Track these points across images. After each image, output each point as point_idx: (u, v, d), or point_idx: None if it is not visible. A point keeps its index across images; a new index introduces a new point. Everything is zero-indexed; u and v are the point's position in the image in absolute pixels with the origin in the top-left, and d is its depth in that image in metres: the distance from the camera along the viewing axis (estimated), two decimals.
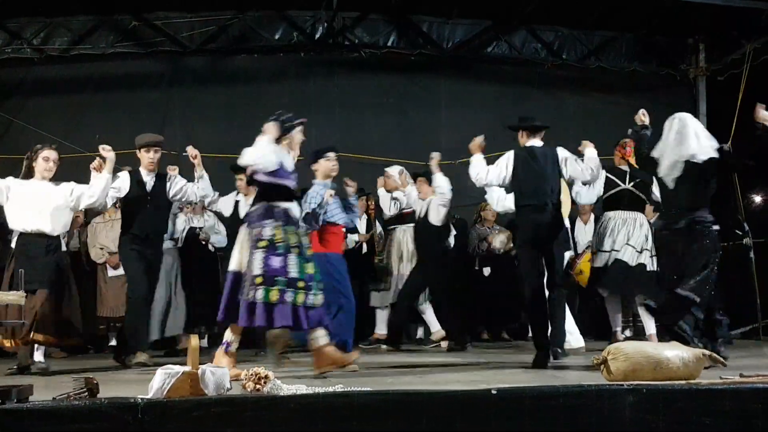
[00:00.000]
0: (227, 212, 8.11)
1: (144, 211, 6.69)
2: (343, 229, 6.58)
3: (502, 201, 7.71)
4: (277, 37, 10.20)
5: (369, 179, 9.47)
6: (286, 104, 10.13)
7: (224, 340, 5.39)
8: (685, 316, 5.63)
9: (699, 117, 10.53)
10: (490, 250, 9.53)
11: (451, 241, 9.26)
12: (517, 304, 8.33)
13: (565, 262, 7.73)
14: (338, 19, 10.02)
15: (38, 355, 6.03)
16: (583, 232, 9.25)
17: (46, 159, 6.20)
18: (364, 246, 9.23)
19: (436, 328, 8.50)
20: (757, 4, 9.10)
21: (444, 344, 8.29)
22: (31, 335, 5.80)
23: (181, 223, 8.29)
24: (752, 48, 9.89)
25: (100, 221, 8.45)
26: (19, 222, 6.13)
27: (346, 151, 9.75)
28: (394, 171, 8.83)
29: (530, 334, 7.58)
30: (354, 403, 3.52)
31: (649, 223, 7.80)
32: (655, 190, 7.47)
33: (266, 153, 5.40)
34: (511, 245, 9.23)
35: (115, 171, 6.73)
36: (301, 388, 3.81)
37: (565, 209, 7.19)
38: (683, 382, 4.01)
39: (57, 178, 7.64)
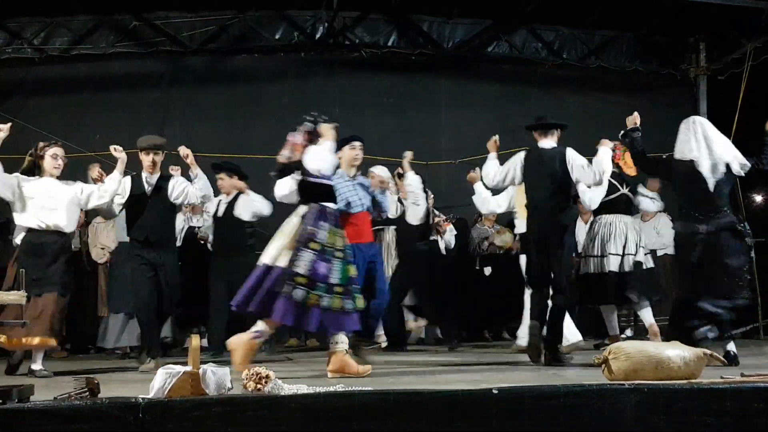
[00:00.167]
0: (212, 211, 8.09)
1: (145, 214, 6.60)
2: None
3: (486, 203, 7.72)
4: (277, 36, 10.21)
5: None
6: (286, 104, 10.19)
7: (256, 330, 5.26)
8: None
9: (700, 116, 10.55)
10: (492, 249, 9.52)
11: (452, 240, 9.27)
12: (518, 304, 8.32)
13: None
14: (338, 19, 10.03)
15: (36, 365, 5.81)
16: (584, 233, 9.25)
17: (54, 156, 6.12)
18: None
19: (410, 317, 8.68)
20: (757, 4, 9.10)
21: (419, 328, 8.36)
22: (38, 340, 5.70)
23: (179, 223, 8.28)
24: (753, 47, 9.90)
25: (101, 221, 8.44)
26: (30, 219, 6.02)
27: None
28: (379, 170, 8.81)
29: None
30: (355, 402, 3.52)
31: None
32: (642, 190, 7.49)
33: (329, 157, 5.50)
34: (513, 244, 9.23)
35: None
36: (302, 388, 3.80)
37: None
38: (684, 381, 4.01)
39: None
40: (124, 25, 9.85)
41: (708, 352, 4.39)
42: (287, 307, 5.09)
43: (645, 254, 7.72)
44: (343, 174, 6.27)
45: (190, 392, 3.60)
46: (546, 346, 6.24)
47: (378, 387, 4.01)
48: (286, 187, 5.71)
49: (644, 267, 7.82)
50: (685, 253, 5.94)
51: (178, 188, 6.68)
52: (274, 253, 5.30)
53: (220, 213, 7.87)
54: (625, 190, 7.70)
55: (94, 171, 6.87)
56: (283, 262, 5.21)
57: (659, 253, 9.61)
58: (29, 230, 6.03)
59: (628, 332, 9.30)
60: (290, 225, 5.38)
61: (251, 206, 7.75)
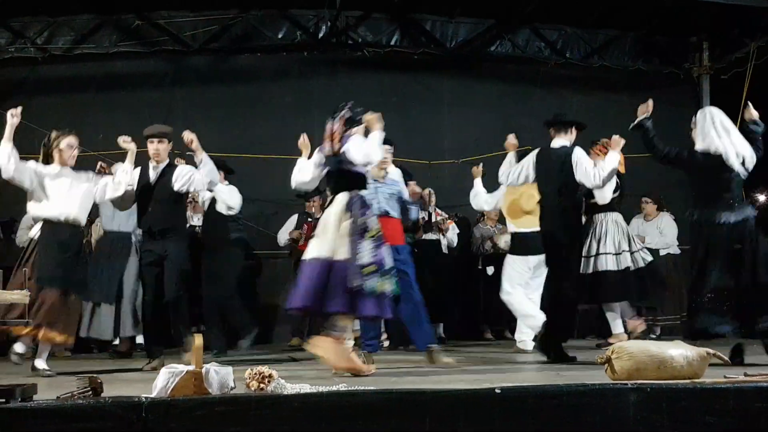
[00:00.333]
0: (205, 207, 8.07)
1: (150, 204, 6.46)
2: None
3: (476, 199, 7.77)
4: (280, 36, 10.21)
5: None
6: (289, 103, 10.20)
7: (338, 329, 5.24)
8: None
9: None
10: (495, 249, 9.52)
11: (454, 239, 9.27)
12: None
13: None
14: (341, 18, 10.03)
15: (40, 362, 5.82)
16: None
17: (70, 146, 6.03)
18: None
19: None
20: (760, 3, 9.08)
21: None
22: (43, 332, 5.69)
23: None
24: (756, 46, 9.89)
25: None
26: (48, 209, 5.91)
27: None
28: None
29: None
30: (357, 402, 3.52)
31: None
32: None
33: (379, 149, 5.50)
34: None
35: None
36: (304, 387, 3.81)
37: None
38: (687, 381, 4.00)
39: None
40: (126, 24, 9.85)
41: (711, 351, 4.39)
42: (367, 300, 5.13)
43: (631, 253, 7.77)
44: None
45: (193, 391, 3.61)
46: (551, 343, 6.27)
47: (381, 386, 4.01)
48: (308, 174, 5.67)
49: (644, 264, 7.85)
50: (714, 243, 5.80)
51: (182, 176, 6.47)
52: (331, 246, 5.22)
53: (206, 207, 7.91)
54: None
55: (98, 167, 6.88)
56: (344, 255, 5.18)
57: (662, 252, 9.61)
58: (45, 221, 5.91)
59: None
60: (334, 216, 5.31)
61: (223, 199, 7.71)
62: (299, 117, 10.12)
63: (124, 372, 6.08)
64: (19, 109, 5.85)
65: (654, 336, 9.20)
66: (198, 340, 3.87)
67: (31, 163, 5.92)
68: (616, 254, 7.73)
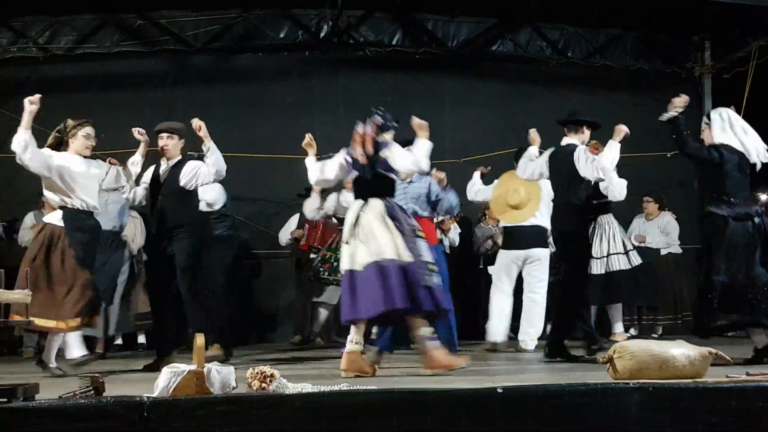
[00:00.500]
0: None
1: (158, 202, 6.42)
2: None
3: (469, 190, 7.84)
4: (281, 35, 10.20)
5: None
6: (290, 103, 10.20)
7: (428, 334, 5.26)
8: None
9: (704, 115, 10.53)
10: (496, 248, 9.51)
11: (456, 239, 9.27)
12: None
13: None
14: (343, 18, 10.02)
15: (50, 359, 5.78)
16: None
17: (87, 136, 5.97)
18: None
19: None
20: (762, 2, 9.07)
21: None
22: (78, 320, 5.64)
23: None
24: (758, 46, 9.88)
25: None
26: (66, 197, 5.82)
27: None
28: None
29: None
30: (359, 401, 3.52)
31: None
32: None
33: (427, 155, 5.49)
34: None
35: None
36: (306, 387, 3.81)
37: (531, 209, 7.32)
38: (689, 380, 4.00)
39: None
40: (128, 24, 9.85)
41: (713, 351, 4.38)
42: (440, 295, 5.22)
43: (629, 250, 7.81)
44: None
45: (195, 391, 3.61)
46: (553, 338, 6.36)
47: (383, 385, 4.01)
48: (331, 173, 5.68)
49: (632, 265, 7.91)
50: (732, 235, 5.85)
51: (188, 172, 6.39)
52: (393, 248, 5.20)
53: None
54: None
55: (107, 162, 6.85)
56: (409, 256, 5.19)
57: (663, 252, 9.61)
58: (65, 209, 5.82)
59: (632, 331, 9.31)
60: (378, 220, 5.28)
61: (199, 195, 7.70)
62: (301, 116, 10.12)
63: (126, 372, 6.08)
64: (38, 96, 5.77)
65: (656, 335, 9.20)
66: (199, 339, 3.87)
67: (47, 151, 5.83)
68: (625, 253, 7.76)
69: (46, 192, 5.90)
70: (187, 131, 6.49)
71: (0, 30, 9.63)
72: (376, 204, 5.33)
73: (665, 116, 6.14)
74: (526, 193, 7.43)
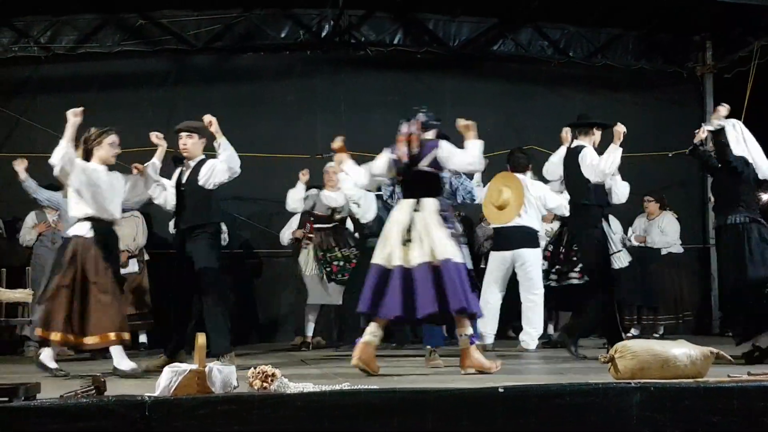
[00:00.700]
0: None
1: (181, 201, 6.37)
2: None
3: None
4: (283, 35, 10.20)
5: None
6: (291, 102, 10.20)
7: (470, 334, 5.29)
8: None
9: (706, 115, 10.52)
10: None
11: None
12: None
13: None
14: (344, 17, 10.01)
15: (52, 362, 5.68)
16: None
17: (113, 144, 5.89)
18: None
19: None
20: (763, 1, 9.05)
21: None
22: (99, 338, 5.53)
23: None
24: (759, 45, 9.87)
25: None
26: (93, 208, 5.72)
27: (352, 148, 9.72)
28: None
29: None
30: (360, 401, 3.52)
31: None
32: None
33: (481, 153, 5.54)
34: None
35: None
36: (308, 386, 3.81)
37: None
38: (691, 380, 4.00)
39: None
40: (129, 23, 9.85)
41: (715, 350, 4.38)
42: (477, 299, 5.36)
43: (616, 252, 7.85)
44: None
45: (196, 390, 3.61)
46: (566, 331, 6.55)
47: (384, 385, 4.01)
48: (380, 173, 5.72)
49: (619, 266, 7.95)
50: (741, 240, 6.14)
51: (206, 171, 6.30)
52: (451, 248, 5.24)
53: None
54: None
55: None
56: (459, 256, 5.26)
57: (663, 252, 9.60)
58: (92, 220, 5.71)
59: (634, 331, 9.31)
60: (434, 219, 5.32)
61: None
62: (302, 116, 10.13)
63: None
64: (81, 109, 5.74)
65: (657, 335, 9.20)
66: (201, 339, 3.88)
67: (79, 161, 5.75)
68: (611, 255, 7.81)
69: (72, 203, 5.78)
70: (208, 130, 6.40)
71: (1, 29, 9.61)
72: (430, 203, 5.37)
73: (688, 150, 6.52)
74: (509, 193, 7.44)
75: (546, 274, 7.77)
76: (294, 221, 8.97)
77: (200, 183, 6.31)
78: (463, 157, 5.45)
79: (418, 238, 5.25)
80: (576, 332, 6.52)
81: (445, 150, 5.46)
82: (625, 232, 9.53)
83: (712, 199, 6.85)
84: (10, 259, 7.81)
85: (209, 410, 3.39)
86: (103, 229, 5.75)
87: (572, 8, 10.20)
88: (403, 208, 5.42)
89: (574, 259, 7.72)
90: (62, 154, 5.60)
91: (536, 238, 7.70)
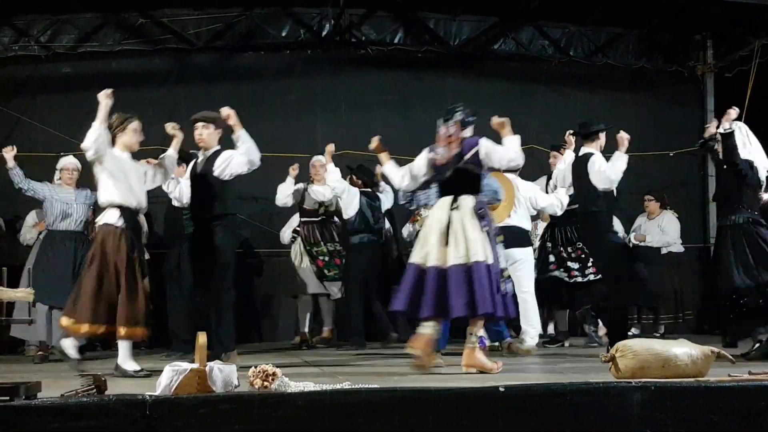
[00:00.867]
0: None
1: (195, 192, 6.32)
2: None
3: None
4: (283, 34, 10.20)
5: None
6: (292, 101, 10.20)
7: (480, 335, 5.40)
8: None
9: (707, 114, 10.53)
10: None
11: None
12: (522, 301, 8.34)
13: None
14: (345, 16, 10.01)
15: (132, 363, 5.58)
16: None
17: (136, 130, 5.82)
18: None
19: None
20: (764, 1, 9.05)
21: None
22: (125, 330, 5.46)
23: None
24: (760, 45, 9.86)
25: None
26: (123, 196, 5.65)
27: (352, 148, 9.75)
28: (320, 159, 8.76)
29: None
30: (361, 400, 3.52)
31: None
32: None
33: (520, 150, 5.56)
34: None
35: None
36: (308, 386, 3.81)
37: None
38: (691, 379, 4.00)
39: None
40: (130, 22, 9.85)
41: (716, 350, 4.38)
42: (507, 301, 5.30)
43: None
44: None
45: (197, 389, 3.62)
46: (590, 328, 6.79)
47: (385, 384, 4.01)
48: (420, 174, 5.72)
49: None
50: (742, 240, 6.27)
51: (222, 161, 6.19)
52: (483, 250, 5.26)
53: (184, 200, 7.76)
54: None
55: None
56: (490, 258, 5.26)
57: (663, 251, 9.60)
58: (121, 208, 5.64)
59: (634, 330, 9.31)
60: (470, 219, 5.34)
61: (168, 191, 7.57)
62: (303, 115, 10.13)
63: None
64: (111, 90, 5.68)
65: (658, 334, 9.20)
66: (201, 338, 3.87)
67: (109, 149, 5.67)
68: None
69: (102, 189, 5.70)
70: (224, 121, 6.33)
71: (2, 28, 9.61)
72: (468, 201, 5.39)
73: (699, 142, 6.72)
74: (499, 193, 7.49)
75: (543, 268, 7.84)
76: (294, 220, 8.98)
77: (215, 173, 6.20)
78: (505, 153, 5.47)
79: (454, 238, 5.28)
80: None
81: (486, 147, 5.47)
82: (626, 231, 9.52)
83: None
84: (11, 258, 7.79)
85: (210, 409, 3.39)
86: (131, 218, 5.69)
87: (573, 7, 10.20)
88: (441, 207, 5.45)
89: (583, 256, 7.77)
90: (96, 136, 5.52)
91: (527, 238, 7.72)
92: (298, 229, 8.77)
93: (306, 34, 10.21)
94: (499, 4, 10.17)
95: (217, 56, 10.30)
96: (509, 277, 5.40)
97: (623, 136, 6.63)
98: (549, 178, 8.16)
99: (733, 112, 6.49)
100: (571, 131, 7.41)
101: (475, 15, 10.48)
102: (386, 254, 9.38)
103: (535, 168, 8.15)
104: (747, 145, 6.35)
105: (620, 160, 6.55)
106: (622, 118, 8.96)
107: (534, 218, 8.09)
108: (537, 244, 8.31)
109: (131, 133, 5.79)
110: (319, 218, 8.63)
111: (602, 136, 6.86)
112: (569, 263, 7.84)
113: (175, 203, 7.15)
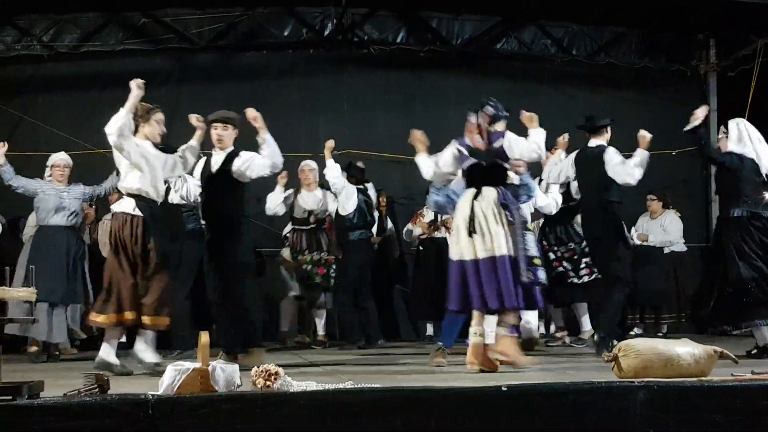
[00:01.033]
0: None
1: (210, 192, 6.21)
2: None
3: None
4: (285, 33, 10.21)
5: (377, 176, 9.46)
6: (294, 101, 10.20)
7: (511, 324, 5.40)
8: None
9: (709, 113, 10.51)
10: None
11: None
12: None
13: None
14: (347, 16, 10.02)
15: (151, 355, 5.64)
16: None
17: (159, 122, 5.81)
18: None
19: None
20: (766, 0, 9.05)
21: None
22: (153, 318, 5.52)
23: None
24: (763, 44, 9.85)
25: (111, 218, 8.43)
26: (145, 186, 5.66)
27: (354, 147, 9.76)
28: (311, 164, 8.75)
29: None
30: (364, 399, 3.52)
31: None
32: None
33: (543, 144, 5.66)
34: None
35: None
36: (311, 385, 3.80)
37: None
38: (694, 379, 4.00)
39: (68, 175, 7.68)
40: (132, 22, 9.86)
41: (719, 349, 4.37)
42: (534, 292, 5.34)
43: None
44: None
45: (200, 389, 3.61)
46: (601, 327, 6.61)
47: (387, 384, 4.01)
48: (447, 166, 5.78)
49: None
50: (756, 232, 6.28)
51: (241, 162, 6.07)
52: (504, 243, 5.30)
53: (191, 199, 7.54)
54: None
55: None
56: (512, 250, 5.29)
57: (666, 250, 9.58)
58: (138, 197, 5.63)
59: (637, 330, 9.30)
60: (492, 210, 5.37)
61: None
62: (305, 115, 10.13)
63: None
64: (143, 81, 5.64)
65: (660, 334, 9.18)
66: (204, 337, 3.87)
67: (132, 137, 5.66)
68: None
69: (126, 177, 5.69)
70: (242, 122, 6.30)
71: (4, 28, 9.63)
72: (490, 192, 5.43)
73: (688, 127, 6.48)
74: None
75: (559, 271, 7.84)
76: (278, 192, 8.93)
77: (234, 175, 6.09)
78: (527, 144, 5.55)
79: (479, 230, 5.34)
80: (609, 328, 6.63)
81: (510, 139, 5.54)
82: (629, 230, 9.51)
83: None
84: (14, 258, 7.79)
85: (212, 409, 3.38)
86: (149, 207, 5.67)
87: (575, 7, 10.19)
88: (465, 199, 5.52)
89: (575, 257, 7.77)
90: (121, 122, 5.51)
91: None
92: (288, 234, 8.77)
93: (308, 34, 10.22)
94: (501, 3, 10.17)
95: (219, 56, 10.30)
96: (540, 264, 5.38)
97: (645, 135, 6.74)
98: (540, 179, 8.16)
99: (699, 111, 6.50)
100: (566, 136, 7.40)
101: (478, 14, 10.48)
102: (388, 253, 9.39)
103: (537, 167, 8.12)
104: (745, 139, 6.35)
105: (642, 157, 6.66)
106: (625, 118, 8.94)
107: (534, 217, 8.08)
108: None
109: (154, 124, 5.81)
110: (309, 227, 8.59)
111: (608, 130, 6.96)
112: (564, 263, 7.82)
113: (175, 200, 7.11)
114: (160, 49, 9.98)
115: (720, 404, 3.63)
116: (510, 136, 5.55)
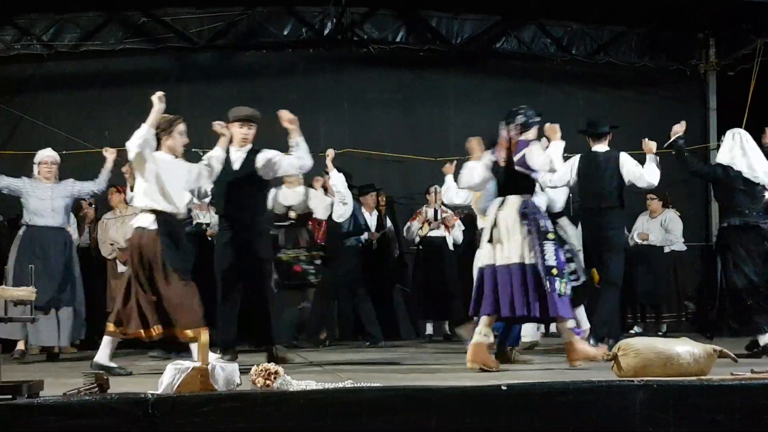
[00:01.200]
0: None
1: (231, 191, 6.09)
2: None
3: (448, 193, 7.83)
4: (285, 33, 10.21)
5: (377, 176, 9.46)
6: (294, 100, 10.17)
7: (570, 325, 5.44)
8: None
9: (709, 112, 10.53)
10: None
11: (460, 236, 9.27)
12: None
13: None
14: (347, 15, 10.01)
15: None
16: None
17: (182, 133, 5.71)
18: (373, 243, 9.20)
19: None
20: None
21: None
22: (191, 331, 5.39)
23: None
24: (762, 43, 9.85)
25: (111, 217, 8.44)
26: (161, 200, 5.54)
27: (354, 147, 9.76)
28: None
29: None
30: (363, 399, 3.52)
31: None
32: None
33: (560, 156, 5.65)
34: None
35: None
36: (310, 384, 3.80)
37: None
38: (694, 378, 4.00)
39: (67, 174, 7.65)
40: (132, 21, 9.86)
41: (718, 348, 4.38)
42: (557, 301, 5.29)
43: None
44: None
45: (199, 388, 3.61)
46: (598, 328, 6.65)
47: (387, 383, 4.01)
48: (478, 177, 5.78)
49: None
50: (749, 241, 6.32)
51: (268, 161, 6.08)
52: (521, 250, 5.34)
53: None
54: None
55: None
56: (531, 258, 5.31)
57: (666, 249, 9.59)
58: (156, 212, 5.53)
59: (636, 329, 9.30)
60: (512, 219, 5.40)
61: None
62: (305, 114, 10.03)
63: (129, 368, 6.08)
64: (163, 93, 5.60)
65: (660, 333, 9.19)
66: (204, 336, 3.87)
67: (151, 153, 5.57)
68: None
69: (139, 192, 5.63)
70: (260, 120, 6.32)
71: (4, 27, 9.63)
72: (514, 201, 5.46)
73: (667, 143, 6.64)
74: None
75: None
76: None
77: (260, 173, 6.11)
78: (539, 158, 5.50)
79: (498, 239, 5.41)
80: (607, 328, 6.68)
81: (530, 150, 5.51)
82: (629, 230, 9.52)
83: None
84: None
85: (212, 408, 3.39)
86: (168, 221, 5.58)
87: (575, 6, 10.20)
88: (492, 206, 5.58)
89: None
90: (143, 139, 5.43)
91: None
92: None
93: (308, 33, 10.22)
94: (501, 2, 10.18)
95: (218, 55, 10.31)
96: (557, 274, 5.35)
97: (651, 144, 6.82)
98: None
99: (677, 127, 6.65)
100: (581, 132, 7.39)
101: (478, 13, 10.48)
102: (388, 253, 9.39)
103: None
104: (737, 150, 6.34)
105: (654, 164, 6.79)
106: (625, 117, 8.96)
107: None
108: None
109: (177, 137, 5.69)
110: (287, 223, 8.47)
111: (607, 137, 7.02)
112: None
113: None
114: (159, 49, 9.98)
115: (719, 403, 3.63)
116: (531, 147, 5.51)
